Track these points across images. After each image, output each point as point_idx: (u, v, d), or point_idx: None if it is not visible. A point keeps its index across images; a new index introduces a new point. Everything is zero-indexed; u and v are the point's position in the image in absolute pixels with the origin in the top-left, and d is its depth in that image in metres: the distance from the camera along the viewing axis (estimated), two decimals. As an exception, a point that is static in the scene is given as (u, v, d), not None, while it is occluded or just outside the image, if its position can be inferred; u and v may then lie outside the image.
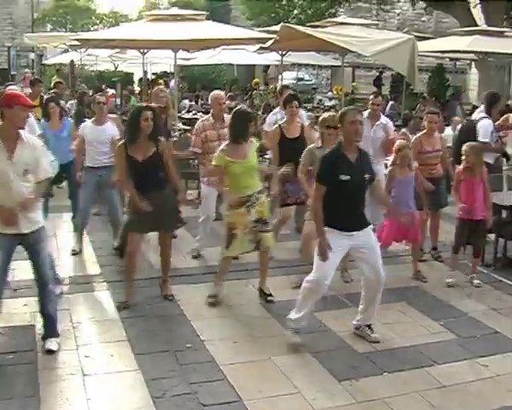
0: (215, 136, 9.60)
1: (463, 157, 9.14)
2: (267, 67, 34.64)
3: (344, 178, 6.72)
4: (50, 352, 6.81)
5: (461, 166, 9.27)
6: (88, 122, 10.10)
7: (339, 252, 6.93)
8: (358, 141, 6.91)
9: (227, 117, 9.70)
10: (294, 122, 9.82)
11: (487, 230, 9.50)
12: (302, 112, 11.70)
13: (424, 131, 10.09)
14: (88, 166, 9.96)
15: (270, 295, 8.40)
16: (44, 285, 6.86)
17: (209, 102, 9.98)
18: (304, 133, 9.76)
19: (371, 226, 7.16)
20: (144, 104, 8.52)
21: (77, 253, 10.10)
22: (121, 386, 6.30)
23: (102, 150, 9.75)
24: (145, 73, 24.43)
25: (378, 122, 10.61)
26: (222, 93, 10.10)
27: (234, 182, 8.08)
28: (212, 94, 10.00)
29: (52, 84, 16.92)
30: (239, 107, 8.91)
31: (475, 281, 9.18)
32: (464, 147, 9.23)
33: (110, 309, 8.09)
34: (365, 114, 10.36)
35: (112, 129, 9.93)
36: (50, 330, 7.00)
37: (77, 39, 18.02)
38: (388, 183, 9.11)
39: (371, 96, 10.89)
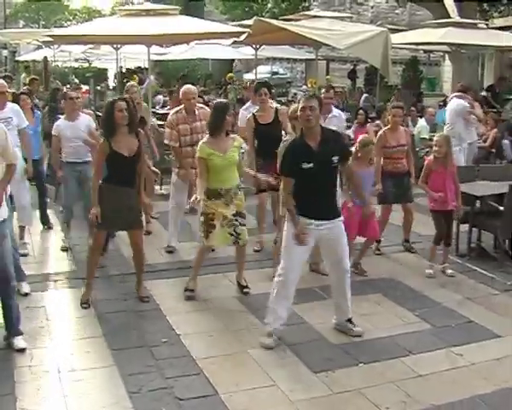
0: (187, 130, 9.60)
1: (435, 147, 9.18)
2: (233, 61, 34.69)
3: (306, 166, 6.68)
4: (22, 350, 6.75)
5: (431, 157, 9.32)
6: (61, 120, 10.03)
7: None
8: (311, 127, 6.80)
9: (200, 111, 9.71)
10: (267, 108, 9.92)
11: (459, 219, 9.55)
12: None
13: (389, 125, 10.13)
14: (67, 161, 9.86)
15: (247, 286, 8.42)
16: (4, 281, 6.70)
17: (181, 96, 9.94)
18: (279, 117, 9.87)
19: (341, 218, 7.11)
20: (117, 96, 8.48)
21: (66, 249, 10.05)
22: (97, 382, 6.28)
23: (79, 145, 9.67)
24: (120, 68, 24.35)
25: (330, 115, 10.68)
26: (193, 87, 10.08)
27: (214, 175, 8.06)
28: (183, 88, 9.98)
29: (28, 81, 16.81)
30: (217, 100, 8.91)
31: (448, 271, 9.25)
32: (436, 137, 9.29)
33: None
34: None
35: (86, 122, 9.84)
36: (14, 328, 6.89)
37: (49, 35, 17.92)
38: (348, 174, 9.10)
39: (323, 90, 10.93)
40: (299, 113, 6.85)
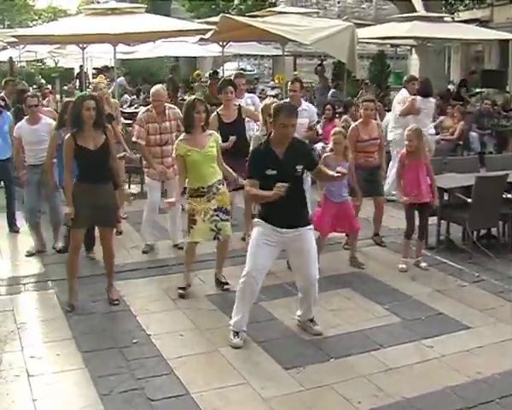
0: (156, 129, 9.58)
1: (406, 142, 9.23)
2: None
3: (270, 172, 6.66)
4: None
5: (404, 151, 9.37)
6: (23, 122, 9.95)
7: (271, 247, 6.84)
8: (288, 141, 6.82)
9: (170, 111, 9.69)
10: (231, 107, 9.93)
11: (432, 212, 9.61)
12: (258, 100, 11.78)
13: (361, 119, 10.17)
14: (29, 164, 9.87)
15: (227, 283, 8.41)
16: None
17: (150, 97, 9.90)
18: (242, 115, 9.91)
19: (310, 227, 7.09)
20: (87, 94, 8.44)
21: (33, 254, 9.93)
22: (68, 385, 6.23)
23: (41, 148, 9.59)
24: (81, 67, 24.18)
25: (300, 108, 10.67)
26: (162, 89, 10.04)
27: (194, 171, 8.07)
28: (152, 90, 9.94)
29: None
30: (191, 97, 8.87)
31: (422, 264, 9.31)
32: (407, 131, 9.32)
33: (55, 308, 7.97)
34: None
35: (47, 127, 9.75)
36: None
37: (14, 36, 17.78)
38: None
39: (289, 83, 10.90)
40: (279, 126, 6.72)
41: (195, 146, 8.02)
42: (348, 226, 9.30)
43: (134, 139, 9.82)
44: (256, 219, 7.01)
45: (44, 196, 9.93)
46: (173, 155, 8.30)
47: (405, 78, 14.49)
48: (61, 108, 9.78)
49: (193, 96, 8.69)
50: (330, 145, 9.30)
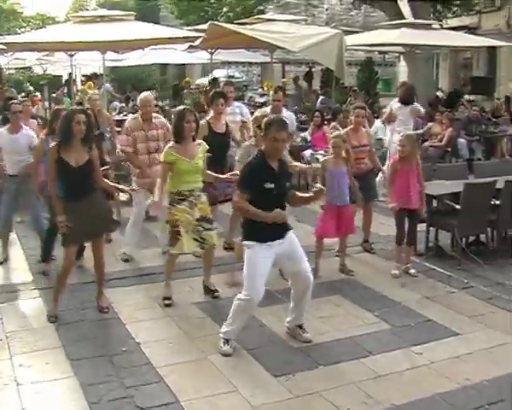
0: (144, 137, 9.57)
1: (399, 147, 9.26)
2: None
3: (268, 186, 6.69)
4: None
5: (396, 157, 9.40)
6: (2, 131, 9.80)
7: (266, 264, 6.83)
8: (279, 155, 6.88)
9: (156, 120, 9.68)
10: (221, 119, 9.96)
11: (421, 219, 9.63)
12: (246, 109, 11.81)
13: (351, 126, 10.19)
14: (8, 174, 9.70)
15: (216, 290, 8.40)
16: None
17: (138, 103, 9.89)
18: (229, 130, 9.98)
19: (291, 230, 7.09)
20: (79, 108, 8.42)
21: (1, 263, 9.87)
22: (57, 393, 6.22)
23: (20, 158, 9.48)
24: (70, 74, 24.16)
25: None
26: (150, 95, 10.04)
27: (177, 178, 8.06)
28: (140, 96, 9.94)
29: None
30: (180, 107, 8.84)
31: (412, 270, 9.33)
32: (399, 137, 9.37)
33: (43, 316, 7.92)
34: (267, 110, 10.51)
35: (27, 136, 9.64)
36: None
37: (2, 43, 17.71)
38: (321, 173, 9.19)
39: (271, 92, 10.92)
40: (270, 140, 6.76)
41: (185, 156, 8.02)
42: (346, 229, 9.33)
43: (121, 148, 9.80)
44: (246, 242, 6.90)
45: (24, 205, 9.83)
46: (160, 159, 8.26)
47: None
48: (51, 115, 9.70)
49: (182, 106, 8.66)
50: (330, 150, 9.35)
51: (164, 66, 33.14)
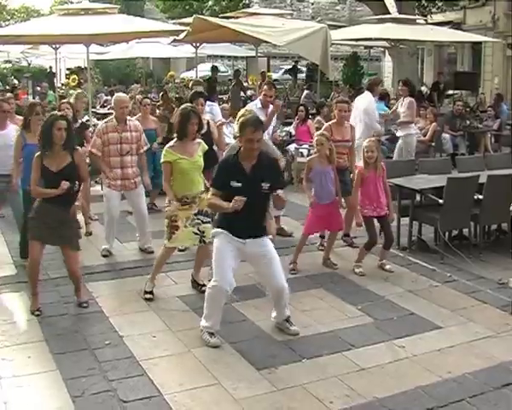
0: (117, 139, 9.50)
1: (366, 153, 9.18)
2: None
3: (234, 184, 6.73)
4: None
5: (361, 163, 9.34)
6: None
7: (232, 254, 6.86)
8: (254, 154, 6.88)
9: (131, 123, 9.63)
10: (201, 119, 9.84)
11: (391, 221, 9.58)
12: (217, 109, 11.79)
13: (334, 120, 10.18)
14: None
15: (204, 285, 8.33)
16: None
17: (112, 104, 9.86)
18: (210, 128, 9.98)
19: (268, 236, 7.14)
20: (59, 113, 8.39)
21: None
22: (40, 387, 6.20)
23: (9, 155, 9.28)
24: (50, 68, 24.09)
25: (270, 109, 10.71)
26: (124, 96, 10.02)
27: (181, 179, 8.08)
28: (114, 97, 9.92)
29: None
30: (183, 105, 8.76)
31: (387, 266, 9.32)
32: (366, 143, 9.29)
33: (26, 310, 7.90)
34: (258, 103, 10.55)
35: (13, 131, 9.54)
36: None
37: (-14, 36, 17.64)
38: (306, 172, 9.19)
39: (265, 87, 10.86)
40: (245, 141, 6.79)
41: (184, 154, 8.04)
42: (335, 225, 9.35)
43: (89, 149, 9.77)
44: (216, 229, 7.02)
45: (8, 201, 9.78)
46: (161, 161, 8.23)
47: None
48: (26, 109, 9.59)
49: (188, 106, 8.57)
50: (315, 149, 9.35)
51: (148, 59, 33.00)
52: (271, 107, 10.47)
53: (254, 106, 10.55)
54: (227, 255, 6.84)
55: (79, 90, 12.84)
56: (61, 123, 7.58)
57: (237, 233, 6.84)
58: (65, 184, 7.50)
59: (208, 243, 8.21)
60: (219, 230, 6.93)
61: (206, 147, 8.43)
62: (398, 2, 24.85)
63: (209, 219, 8.28)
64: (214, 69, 24.16)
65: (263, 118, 9.72)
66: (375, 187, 9.15)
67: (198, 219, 8.14)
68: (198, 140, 8.32)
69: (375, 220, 9.33)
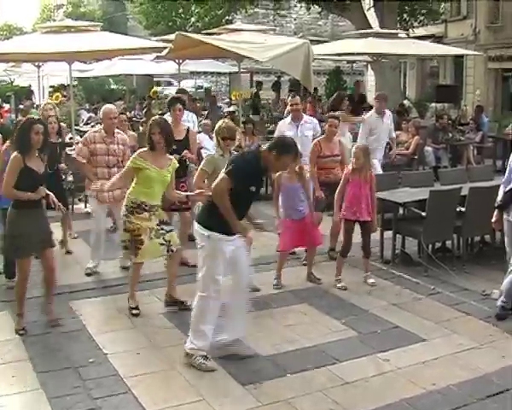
0: (104, 150, 9.52)
1: (353, 159, 9.24)
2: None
3: (253, 190, 6.79)
4: None
5: (349, 168, 9.39)
6: None
7: (224, 258, 6.80)
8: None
9: (118, 136, 9.63)
10: (179, 125, 9.87)
11: (373, 231, 9.60)
12: (194, 117, 11.79)
13: (324, 135, 10.25)
14: None
15: (184, 302, 8.24)
16: None
17: (100, 115, 9.85)
18: (189, 136, 9.92)
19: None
20: (36, 117, 8.36)
21: None
22: (24, 407, 6.20)
23: None
24: (30, 86, 24.06)
25: (302, 121, 10.77)
26: (113, 107, 10.02)
27: (145, 185, 8.07)
28: (103, 108, 9.92)
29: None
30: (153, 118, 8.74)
31: (370, 280, 9.34)
32: (354, 149, 9.36)
33: (10, 329, 7.84)
34: (288, 119, 11.10)
35: None
36: None
37: (-32, 55, 17.57)
38: (276, 189, 9.17)
39: (288, 99, 10.91)
40: (281, 163, 6.85)
41: (154, 163, 8.03)
42: (309, 241, 9.33)
43: (74, 155, 9.76)
44: (209, 232, 6.76)
45: None
46: (127, 164, 8.27)
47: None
48: (14, 127, 9.53)
49: (153, 118, 8.55)
50: None
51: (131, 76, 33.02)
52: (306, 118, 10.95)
53: (283, 122, 10.73)
54: (217, 263, 6.74)
55: (48, 101, 12.74)
56: (39, 127, 7.55)
57: (229, 232, 6.77)
58: (43, 191, 7.52)
59: (176, 250, 8.24)
60: (213, 233, 6.73)
61: (177, 166, 8.38)
62: (380, 16, 25.00)
63: (172, 227, 8.35)
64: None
65: (294, 131, 9.95)
66: (357, 192, 9.17)
67: (162, 228, 8.13)
68: (170, 156, 8.31)
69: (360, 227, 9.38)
